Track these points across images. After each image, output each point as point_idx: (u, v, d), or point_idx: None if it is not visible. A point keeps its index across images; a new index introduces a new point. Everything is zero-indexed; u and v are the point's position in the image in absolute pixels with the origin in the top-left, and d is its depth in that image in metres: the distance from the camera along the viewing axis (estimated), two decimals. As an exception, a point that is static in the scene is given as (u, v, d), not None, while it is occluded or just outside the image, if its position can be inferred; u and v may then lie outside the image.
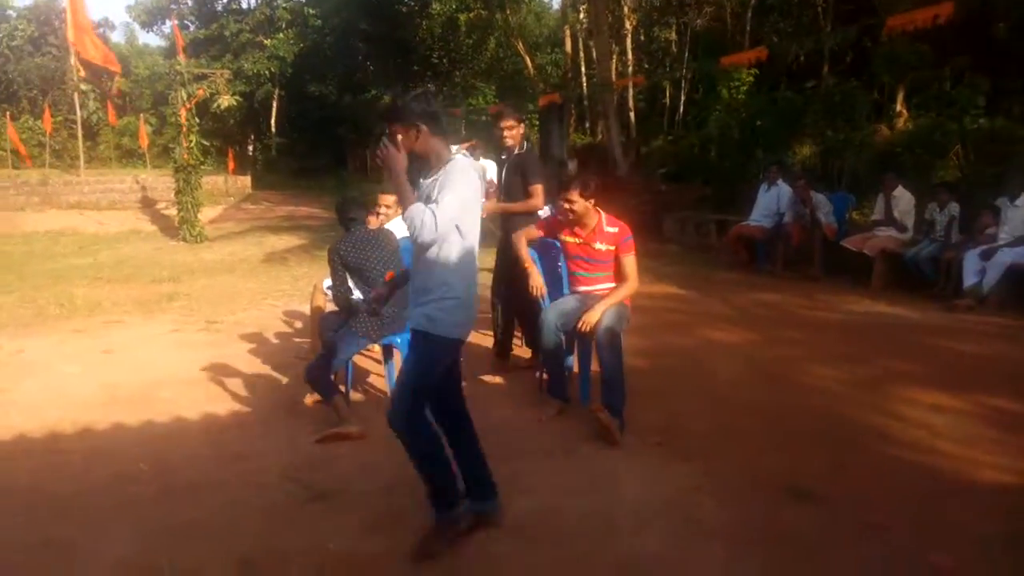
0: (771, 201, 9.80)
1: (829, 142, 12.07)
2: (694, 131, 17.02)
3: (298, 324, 6.83)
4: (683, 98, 19.75)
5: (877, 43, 12.85)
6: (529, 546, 3.06)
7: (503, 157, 5.39)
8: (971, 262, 7.48)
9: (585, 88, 20.91)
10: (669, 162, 16.10)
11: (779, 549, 3.02)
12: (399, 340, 4.53)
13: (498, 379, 5.28)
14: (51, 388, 5.09)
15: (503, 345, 5.53)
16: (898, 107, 12.59)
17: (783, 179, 9.89)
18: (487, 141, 11.23)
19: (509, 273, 5.28)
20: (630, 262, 4.45)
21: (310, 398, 4.64)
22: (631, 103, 19.94)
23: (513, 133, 5.21)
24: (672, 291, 8.29)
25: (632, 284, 4.47)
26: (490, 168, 9.00)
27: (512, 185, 5.29)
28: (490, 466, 3.24)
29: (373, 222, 4.87)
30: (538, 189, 5.25)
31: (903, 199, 8.63)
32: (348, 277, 4.53)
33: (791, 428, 4.33)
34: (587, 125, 22.99)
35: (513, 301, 5.42)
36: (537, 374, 5.03)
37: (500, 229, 5.42)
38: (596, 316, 4.27)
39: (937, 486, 3.55)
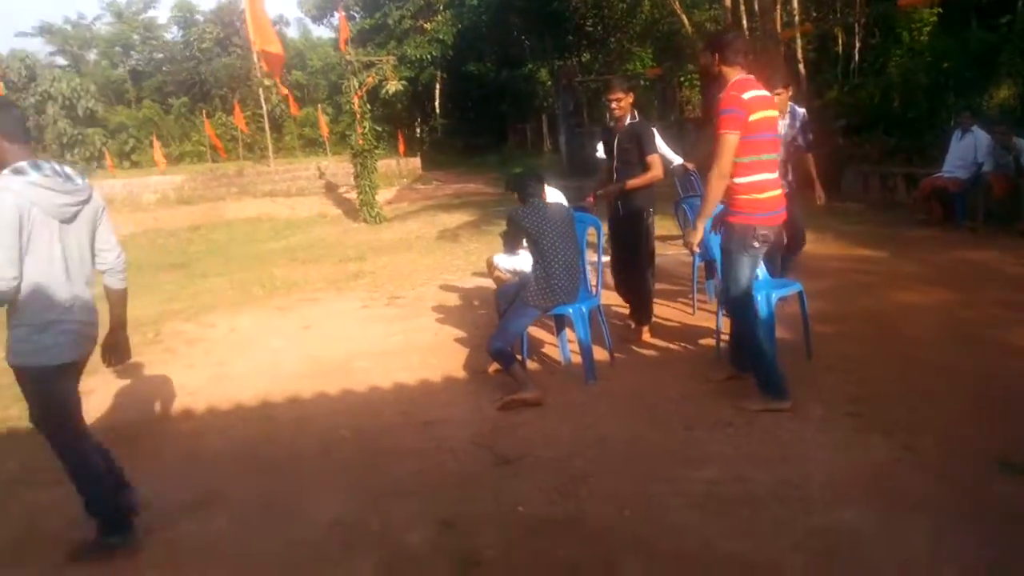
0: (966, 150, 8.92)
1: (1032, 81, 10.80)
2: (872, 79, 15.77)
3: (472, 296, 7.10)
4: (858, 45, 18.31)
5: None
6: (716, 515, 3.04)
7: (611, 125, 5.38)
8: None
9: (749, 45, 19.87)
10: (846, 114, 15.03)
11: (992, 524, 2.81)
12: (571, 310, 4.60)
13: (672, 348, 5.23)
14: (261, 361, 5.62)
15: (639, 314, 5.51)
16: (1118, 35, 11.03)
17: (978, 125, 8.98)
18: (647, 106, 11.03)
19: (621, 245, 5.42)
20: (718, 141, 3.77)
21: (492, 367, 4.83)
22: (800, 54, 18.75)
23: (621, 104, 5.20)
24: (858, 252, 7.79)
25: (712, 174, 3.80)
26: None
27: (627, 155, 5.24)
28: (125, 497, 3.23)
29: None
30: (656, 159, 5.20)
31: None
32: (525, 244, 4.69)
33: (999, 396, 3.99)
34: (752, 81, 21.89)
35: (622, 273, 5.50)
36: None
37: (616, 203, 5.36)
38: (695, 236, 3.95)
39: None
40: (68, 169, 2.95)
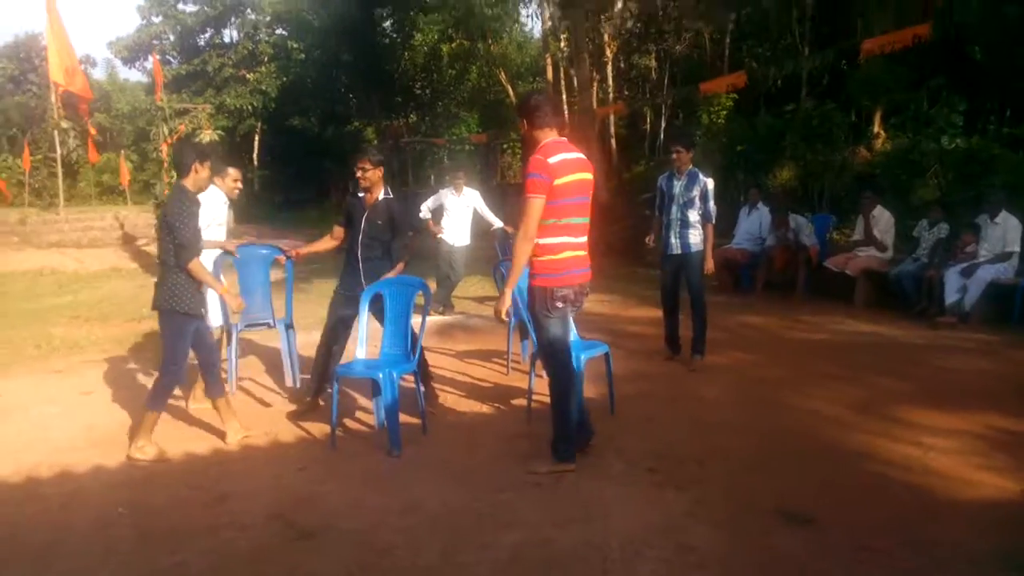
0: (753, 225, 9.86)
1: (809, 165, 12.20)
2: (675, 156, 17.14)
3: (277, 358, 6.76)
4: (664, 124, 19.96)
5: (854, 66, 13.06)
6: (520, 580, 3.00)
7: (360, 196, 5.18)
8: (952, 280, 7.54)
9: (567, 116, 21.08)
10: (651, 187, 16.20)
11: (771, 574, 2.97)
12: (380, 375, 4.46)
13: (485, 410, 5.23)
14: (29, 431, 4.97)
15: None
16: (876, 128, 12.76)
17: (763, 202, 9.97)
18: (470, 170, 11.32)
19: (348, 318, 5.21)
20: (524, 206, 3.85)
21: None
22: (612, 130, 20.12)
23: (367, 176, 5.04)
24: (657, 315, 8.22)
25: (518, 238, 3.92)
26: (474, 198, 9.04)
27: (376, 230, 5.10)
28: None
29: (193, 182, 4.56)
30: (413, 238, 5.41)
31: (882, 219, 8.72)
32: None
33: (781, 450, 4.31)
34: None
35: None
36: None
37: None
38: (502, 303, 3.95)
39: (928, 505, 3.53)
40: None
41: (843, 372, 5.88)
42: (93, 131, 19.91)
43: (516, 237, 3.86)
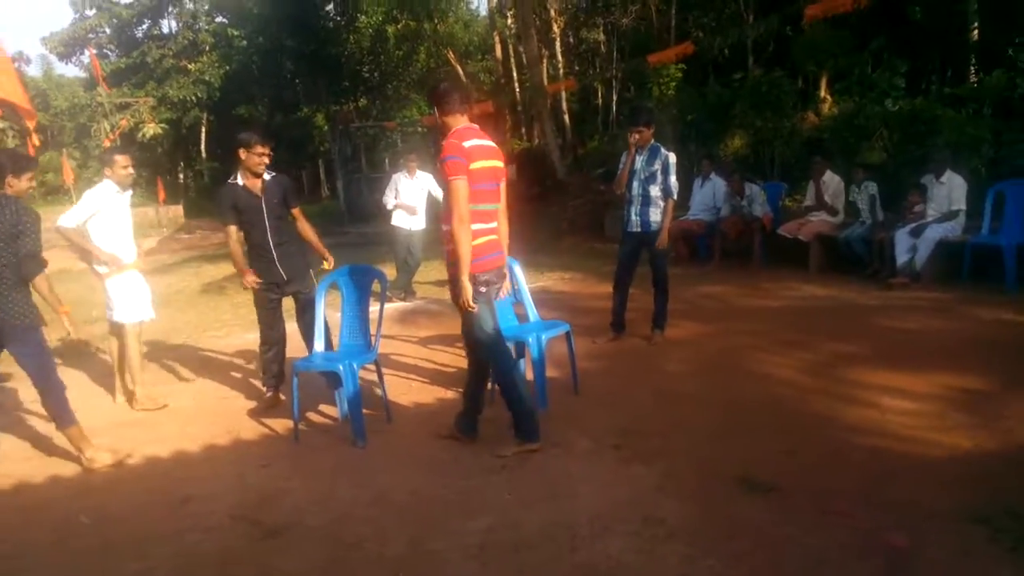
0: (707, 195, 9.94)
1: (760, 133, 12.32)
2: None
3: (239, 354, 6.65)
4: (615, 97, 19.97)
5: (798, 31, 13.19)
6: (491, 564, 3.00)
7: (242, 183, 5.13)
8: (902, 240, 7.71)
9: (518, 93, 20.96)
10: (607, 161, 16.24)
11: (738, 543, 3.02)
12: (340, 367, 4.41)
13: (449, 396, 5.21)
14: (-20, 444, 4.83)
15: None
16: (822, 93, 12.93)
17: (716, 172, 10.05)
18: (423, 152, 11.19)
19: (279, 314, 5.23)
20: (449, 190, 3.85)
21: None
22: (565, 105, 20.09)
23: (268, 160, 5.05)
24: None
25: (454, 224, 3.81)
26: (428, 180, 8.95)
27: (278, 210, 5.10)
28: None
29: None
30: (300, 211, 5.28)
31: (832, 183, 8.85)
32: None
33: (744, 420, 4.37)
34: (523, 130, 23.05)
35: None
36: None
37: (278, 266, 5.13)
38: (466, 293, 3.86)
39: (887, 466, 3.61)
40: None
41: (801, 338, 5.98)
42: (35, 142, 19.26)
43: (452, 225, 3.78)
